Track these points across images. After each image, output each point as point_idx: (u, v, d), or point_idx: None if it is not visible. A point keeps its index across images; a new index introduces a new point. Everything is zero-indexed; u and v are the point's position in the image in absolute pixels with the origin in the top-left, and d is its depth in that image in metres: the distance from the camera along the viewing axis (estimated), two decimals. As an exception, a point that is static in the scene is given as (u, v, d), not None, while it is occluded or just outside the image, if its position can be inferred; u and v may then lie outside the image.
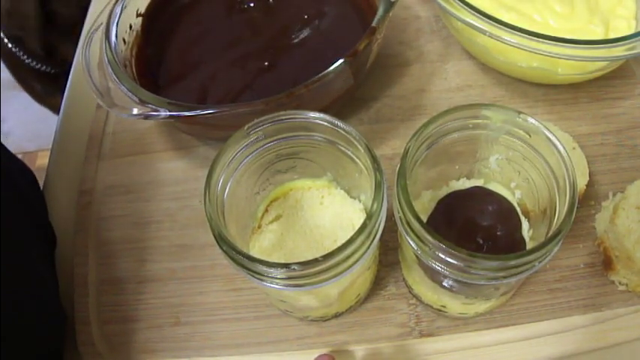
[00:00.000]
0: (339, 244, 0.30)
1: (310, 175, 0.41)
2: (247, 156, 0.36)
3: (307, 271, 0.30)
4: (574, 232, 0.43)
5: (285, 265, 0.30)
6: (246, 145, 0.35)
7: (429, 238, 0.30)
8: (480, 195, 0.40)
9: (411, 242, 0.32)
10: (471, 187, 0.40)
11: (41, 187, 0.52)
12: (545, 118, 0.49)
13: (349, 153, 0.36)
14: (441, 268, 0.31)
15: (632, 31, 0.47)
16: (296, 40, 0.51)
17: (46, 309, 0.42)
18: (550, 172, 0.34)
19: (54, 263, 0.46)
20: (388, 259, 0.43)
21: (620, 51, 0.42)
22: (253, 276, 0.31)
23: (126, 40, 0.48)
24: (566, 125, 0.47)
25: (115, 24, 0.47)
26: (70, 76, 0.59)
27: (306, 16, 0.52)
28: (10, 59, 0.92)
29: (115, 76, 0.43)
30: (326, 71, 0.41)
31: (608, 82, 0.51)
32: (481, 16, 0.44)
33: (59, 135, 0.55)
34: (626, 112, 0.50)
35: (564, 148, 0.32)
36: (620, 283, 0.41)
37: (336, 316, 0.41)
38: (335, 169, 0.40)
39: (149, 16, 0.52)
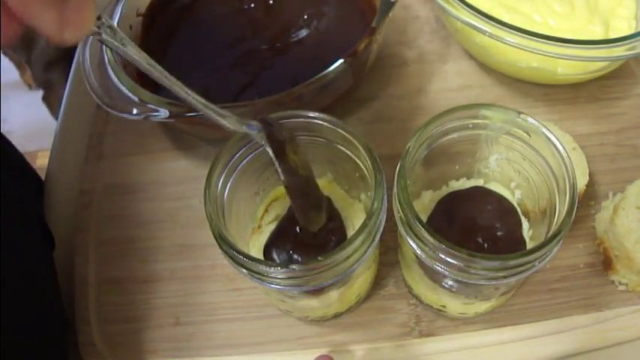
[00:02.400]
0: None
1: (310, 175, 0.41)
2: (247, 156, 0.36)
3: (307, 271, 0.30)
4: (574, 232, 0.43)
5: (285, 265, 0.30)
6: (246, 146, 0.35)
7: (429, 238, 0.30)
8: (480, 195, 0.40)
9: (411, 242, 0.32)
10: (471, 187, 0.40)
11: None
12: (545, 118, 0.49)
13: (349, 153, 0.36)
14: (441, 268, 0.31)
15: (632, 31, 0.47)
16: (296, 40, 0.51)
17: (48, 310, 0.42)
18: (550, 172, 0.34)
19: (54, 264, 0.46)
20: (388, 259, 0.43)
21: (620, 51, 0.42)
22: (253, 276, 0.31)
23: (126, 40, 0.48)
24: (566, 125, 0.47)
25: (115, 24, 0.47)
26: (70, 76, 0.59)
27: (306, 16, 0.52)
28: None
29: (115, 76, 0.43)
30: (326, 71, 0.41)
31: (608, 82, 0.51)
32: (481, 16, 0.44)
33: (59, 135, 0.55)
34: (626, 112, 0.50)
35: (564, 148, 0.32)
36: (620, 283, 0.41)
37: (336, 316, 0.41)
38: (335, 169, 0.40)
39: (149, 16, 0.51)
